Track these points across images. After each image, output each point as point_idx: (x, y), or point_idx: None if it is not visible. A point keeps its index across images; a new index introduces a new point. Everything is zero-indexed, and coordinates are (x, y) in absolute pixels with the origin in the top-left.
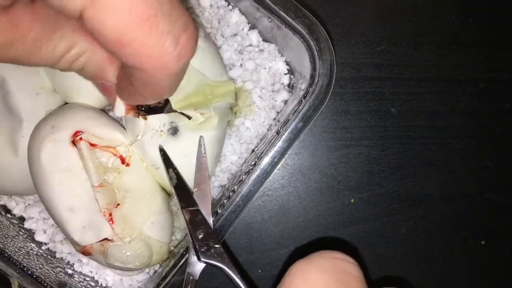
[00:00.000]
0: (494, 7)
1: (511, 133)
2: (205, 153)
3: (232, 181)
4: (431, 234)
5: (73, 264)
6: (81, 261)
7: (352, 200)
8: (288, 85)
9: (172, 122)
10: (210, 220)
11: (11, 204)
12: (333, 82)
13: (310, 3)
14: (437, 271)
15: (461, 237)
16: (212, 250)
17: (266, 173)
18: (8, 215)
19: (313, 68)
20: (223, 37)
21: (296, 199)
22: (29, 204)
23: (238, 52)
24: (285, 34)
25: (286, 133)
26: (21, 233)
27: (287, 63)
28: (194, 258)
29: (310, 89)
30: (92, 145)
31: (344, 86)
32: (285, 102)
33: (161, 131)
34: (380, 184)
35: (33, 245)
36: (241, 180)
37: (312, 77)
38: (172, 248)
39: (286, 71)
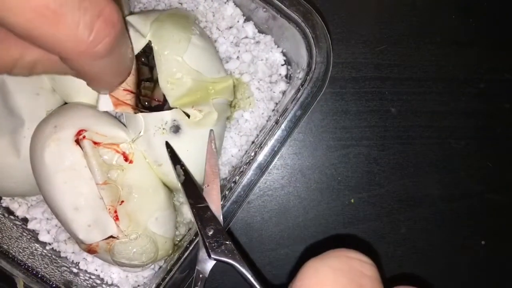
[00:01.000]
0: (494, 7)
1: (511, 133)
2: (215, 149)
3: (233, 173)
4: (431, 234)
5: (78, 262)
6: (86, 259)
7: (352, 200)
8: (286, 76)
9: (174, 120)
10: (220, 217)
11: (13, 206)
12: (330, 68)
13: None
14: (437, 271)
15: (461, 237)
16: (223, 246)
17: (267, 162)
18: (11, 216)
19: (310, 56)
20: (219, 30)
21: (296, 199)
22: (31, 205)
23: (234, 45)
24: (281, 24)
25: (285, 122)
26: (24, 234)
27: (284, 54)
28: (203, 255)
29: (308, 77)
30: (95, 143)
31: (344, 86)
32: (283, 92)
33: (163, 128)
34: (380, 184)
35: (37, 245)
36: (242, 171)
37: (309, 65)
38: (176, 242)
39: (283, 62)
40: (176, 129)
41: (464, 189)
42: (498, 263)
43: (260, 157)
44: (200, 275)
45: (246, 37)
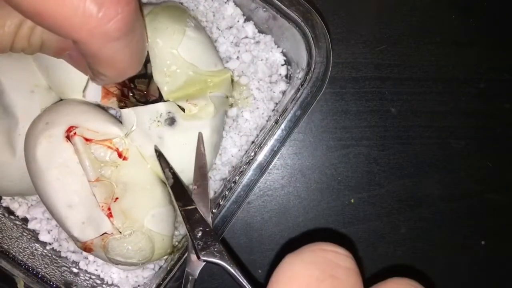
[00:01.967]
0: (494, 7)
1: (511, 133)
2: (204, 150)
3: (233, 173)
4: (431, 234)
5: (79, 262)
6: (86, 259)
7: (352, 200)
8: (286, 76)
9: (169, 112)
10: (209, 218)
11: (14, 206)
12: (330, 68)
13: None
14: (437, 271)
15: (461, 237)
16: (211, 247)
17: (267, 162)
18: (12, 216)
19: (309, 55)
20: (219, 30)
21: (296, 199)
22: (32, 205)
23: (234, 45)
24: (281, 25)
25: (284, 122)
26: (25, 234)
27: (284, 54)
28: (193, 256)
29: (307, 76)
30: (87, 139)
31: (344, 86)
32: (283, 93)
33: (158, 121)
34: (380, 184)
35: (37, 245)
36: (242, 171)
37: (309, 64)
38: (176, 243)
39: (283, 62)
40: (171, 121)
41: (464, 189)
42: (498, 263)
43: (260, 157)
44: (190, 277)
45: (246, 37)
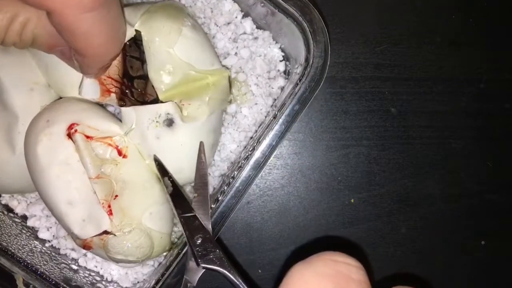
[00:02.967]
0: (494, 7)
1: (511, 133)
2: (205, 159)
3: (232, 168)
4: (431, 234)
5: (78, 259)
6: (86, 255)
7: (352, 200)
8: (284, 72)
9: (168, 113)
10: (209, 226)
11: (13, 203)
12: (328, 62)
13: (309, 3)
14: (437, 271)
15: (461, 237)
16: (211, 254)
17: (265, 157)
18: (11, 214)
19: (308, 50)
20: (217, 26)
21: (296, 199)
22: (31, 202)
23: (232, 41)
24: (279, 20)
25: (283, 116)
26: (24, 231)
27: (282, 50)
28: (192, 264)
29: (306, 71)
30: (87, 137)
31: (344, 86)
32: (282, 88)
33: (157, 121)
34: (380, 184)
35: (36, 242)
36: (240, 166)
37: (307, 59)
38: (176, 239)
39: (282, 58)
40: (169, 122)
41: (464, 189)
42: (498, 263)
43: (258, 152)
44: (188, 284)
45: (244, 33)
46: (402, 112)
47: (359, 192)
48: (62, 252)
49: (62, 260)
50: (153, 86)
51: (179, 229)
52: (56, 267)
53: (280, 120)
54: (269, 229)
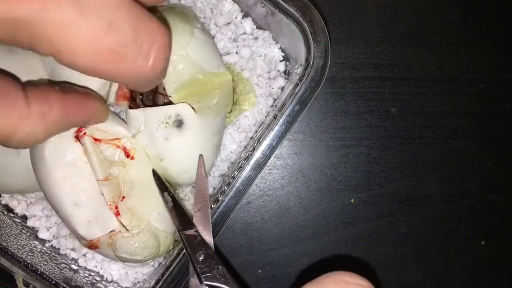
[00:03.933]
0: (494, 7)
1: (511, 133)
2: (205, 173)
3: (232, 168)
4: (431, 234)
5: (78, 259)
6: (85, 255)
7: (352, 200)
8: (284, 72)
9: (178, 115)
10: (211, 241)
11: (13, 203)
12: (329, 63)
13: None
14: (437, 271)
15: (461, 237)
16: (215, 271)
17: (265, 157)
18: (11, 214)
19: (308, 50)
20: (217, 26)
21: (296, 199)
22: (31, 202)
23: (232, 41)
24: (279, 20)
25: (283, 117)
26: (24, 231)
27: (282, 50)
28: (194, 280)
29: (306, 71)
30: (96, 139)
31: (344, 86)
32: (282, 88)
33: (167, 123)
34: (380, 184)
35: (36, 242)
36: (240, 166)
37: (307, 59)
38: (177, 238)
39: (282, 58)
40: (179, 123)
41: (464, 189)
42: (498, 263)
43: (259, 152)
44: None
45: (244, 33)
46: (402, 112)
47: (359, 192)
48: (62, 252)
49: (62, 260)
50: (164, 88)
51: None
52: (56, 267)
53: (281, 121)
54: (269, 229)
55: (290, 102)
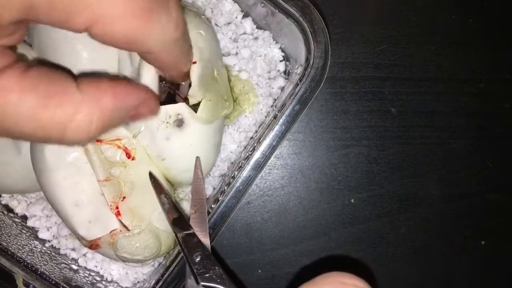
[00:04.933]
0: (494, 7)
1: (511, 133)
2: (202, 175)
3: (232, 168)
4: (431, 234)
5: (78, 259)
6: (85, 255)
7: (352, 200)
8: (284, 72)
9: (178, 114)
10: (208, 243)
11: (13, 203)
12: (329, 63)
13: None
14: (437, 271)
15: (461, 237)
16: (211, 272)
17: (265, 157)
18: (11, 214)
19: (308, 50)
20: (217, 26)
21: (296, 199)
22: (31, 202)
23: (232, 41)
24: (279, 20)
25: (283, 117)
26: (24, 231)
27: (282, 50)
28: (191, 281)
29: (306, 71)
30: (97, 140)
31: (344, 86)
32: (282, 88)
33: (167, 122)
34: (380, 184)
35: (36, 242)
36: (240, 166)
37: (307, 59)
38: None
39: (282, 58)
40: (180, 123)
41: (464, 189)
42: (498, 263)
43: (258, 152)
44: None
45: (245, 33)
46: (402, 112)
47: (359, 192)
48: (62, 252)
49: (62, 260)
50: (169, 86)
51: None
52: (56, 267)
53: (281, 121)
54: (269, 229)
55: (290, 102)
